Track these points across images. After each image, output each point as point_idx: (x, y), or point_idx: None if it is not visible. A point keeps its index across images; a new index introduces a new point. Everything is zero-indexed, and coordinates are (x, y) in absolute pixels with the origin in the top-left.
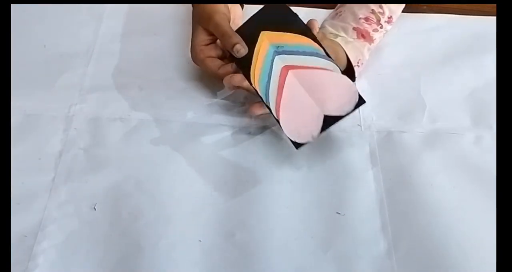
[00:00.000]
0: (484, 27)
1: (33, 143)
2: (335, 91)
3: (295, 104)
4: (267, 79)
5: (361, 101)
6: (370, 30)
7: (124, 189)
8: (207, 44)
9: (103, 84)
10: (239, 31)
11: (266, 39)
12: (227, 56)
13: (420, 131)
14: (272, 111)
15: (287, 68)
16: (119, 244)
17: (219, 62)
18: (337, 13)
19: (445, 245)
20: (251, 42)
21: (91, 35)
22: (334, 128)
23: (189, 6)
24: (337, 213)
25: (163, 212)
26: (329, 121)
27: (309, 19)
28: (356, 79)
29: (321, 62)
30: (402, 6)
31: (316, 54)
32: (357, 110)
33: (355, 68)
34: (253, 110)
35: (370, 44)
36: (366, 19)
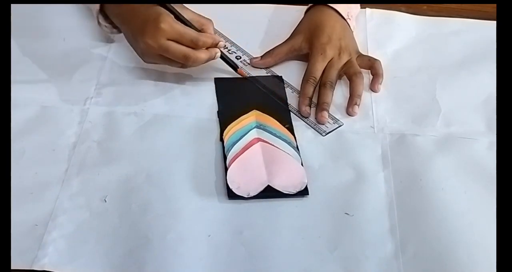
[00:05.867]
0: None
1: (48, 135)
2: (288, 174)
3: (248, 165)
4: (237, 139)
5: (304, 192)
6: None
7: (135, 182)
8: None
9: (119, 78)
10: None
11: (254, 116)
12: None
13: (434, 135)
14: (227, 161)
15: (258, 139)
16: (127, 236)
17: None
18: None
19: (453, 250)
20: (241, 109)
21: None
22: (347, 129)
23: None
24: (345, 213)
25: (172, 206)
26: (269, 192)
27: None
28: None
29: (289, 149)
30: None
31: (289, 143)
32: (370, 112)
33: (348, 21)
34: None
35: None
36: None
